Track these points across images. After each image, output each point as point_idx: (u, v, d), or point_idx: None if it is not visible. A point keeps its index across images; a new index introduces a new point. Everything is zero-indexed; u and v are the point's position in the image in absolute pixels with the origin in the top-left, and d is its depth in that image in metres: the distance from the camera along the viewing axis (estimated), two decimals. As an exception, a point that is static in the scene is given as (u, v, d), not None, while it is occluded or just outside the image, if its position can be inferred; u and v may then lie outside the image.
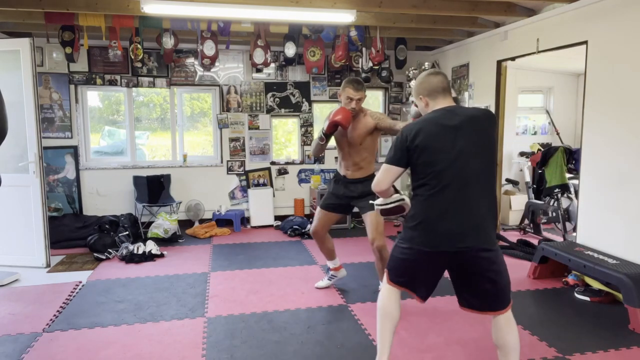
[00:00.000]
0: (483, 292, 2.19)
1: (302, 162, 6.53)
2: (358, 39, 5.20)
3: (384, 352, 2.36)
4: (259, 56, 5.27)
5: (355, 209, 3.61)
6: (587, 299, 3.62)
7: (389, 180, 2.26)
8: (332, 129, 3.29)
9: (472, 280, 2.19)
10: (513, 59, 4.94)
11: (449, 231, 2.12)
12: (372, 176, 3.36)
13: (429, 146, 2.13)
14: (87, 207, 5.87)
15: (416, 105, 2.47)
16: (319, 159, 6.51)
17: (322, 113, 6.63)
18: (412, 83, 6.16)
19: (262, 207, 6.24)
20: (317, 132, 6.18)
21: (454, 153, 2.11)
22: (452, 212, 2.11)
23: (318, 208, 3.65)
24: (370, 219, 3.36)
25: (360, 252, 4.96)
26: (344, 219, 6.18)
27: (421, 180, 2.18)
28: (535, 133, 6.90)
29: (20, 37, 4.57)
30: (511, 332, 2.21)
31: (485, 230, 2.14)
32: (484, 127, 2.19)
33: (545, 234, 5.51)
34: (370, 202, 2.64)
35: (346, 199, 3.53)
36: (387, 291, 2.38)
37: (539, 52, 4.47)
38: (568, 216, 5.16)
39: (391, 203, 2.41)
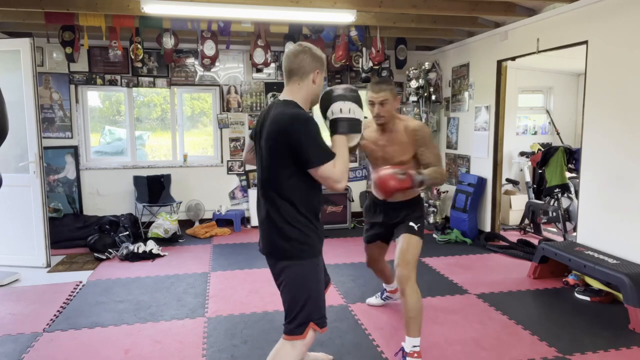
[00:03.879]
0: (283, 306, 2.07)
1: (302, 162, 6.52)
2: (358, 39, 5.20)
3: None
4: (259, 56, 5.27)
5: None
6: (587, 298, 3.62)
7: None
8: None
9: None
10: (513, 59, 4.94)
11: (260, 233, 2.14)
12: (417, 198, 2.85)
13: (256, 137, 2.13)
14: (87, 207, 5.87)
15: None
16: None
17: (322, 113, 6.62)
18: (413, 83, 6.16)
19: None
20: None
21: (260, 153, 2.06)
22: (258, 213, 2.11)
23: (365, 244, 3.17)
24: (400, 243, 2.74)
25: (361, 252, 4.93)
26: (344, 219, 6.18)
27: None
28: (535, 133, 6.90)
29: (20, 37, 4.57)
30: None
31: (270, 241, 2.06)
32: (274, 128, 1.92)
33: (545, 233, 5.51)
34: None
35: (388, 227, 2.93)
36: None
37: (539, 52, 4.47)
38: (568, 216, 5.16)
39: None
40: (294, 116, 1.87)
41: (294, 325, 1.98)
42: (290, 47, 1.99)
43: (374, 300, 3.55)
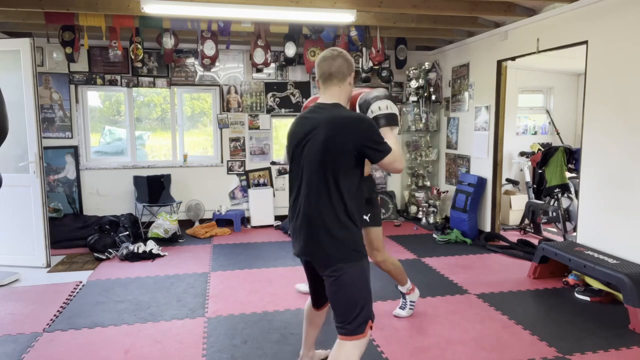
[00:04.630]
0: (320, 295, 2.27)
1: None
2: (358, 39, 5.20)
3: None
4: (259, 56, 5.27)
5: None
6: (587, 298, 3.62)
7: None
8: None
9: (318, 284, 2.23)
10: (513, 58, 4.94)
11: (298, 239, 2.12)
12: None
13: (293, 145, 2.11)
14: (87, 207, 5.87)
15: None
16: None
17: (322, 113, 6.62)
18: (412, 83, 6.16)
19: (262, 207, 6.23)
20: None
21: (305, 155, 2.06)
22: (296, 223, 2.12)
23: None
24: (368, 233, 3.08)
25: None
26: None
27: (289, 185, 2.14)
28: (535, 133, 6.90)
29: (20, 37, 4.57)
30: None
31: (323, 244, 2.04)
32: (327, 133, 1.99)
33: (545, 233, 5.51)
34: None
35: None
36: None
37: (539, 52, 4.47)
38: (568, 216, 5.16)
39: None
40: (359, 117, 2.01)
41: (355, 325, 1.99)
42: (324, 52, 2.08)
43: (402, 312, 3.38)
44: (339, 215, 1.95)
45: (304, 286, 3.62)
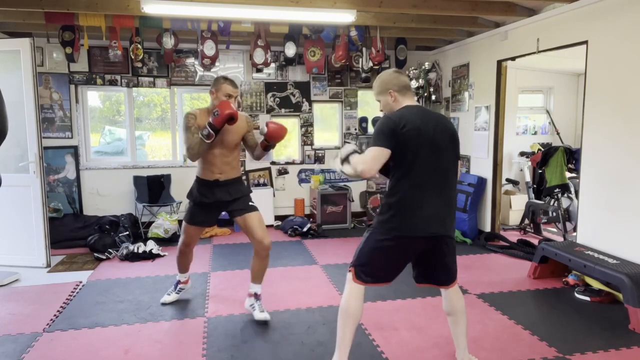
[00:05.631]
0: (445, 271, 2.45)
1: (302, 162, 6.53)
2: (358, 39, 5.20)
3: (346, 353, 2.44)
4: (259, 56, 5.27)
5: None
6: (587, 298, 3.62)
7: (379, 163, 2.26)
8: (224, 123, 2.98)
9: (438, 262, 2.43)
10: (513, 58, 4.94)
11: (430, 218, 2.31)
12: (241, 176, 3.38)
13: (415, 137, 2.27)
14: (87, 207, 5.87)
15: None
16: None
17: (322, 113, 6.63)
18: (413, 83, 6.16)
19: (262, 207, 6.09)
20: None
21: (434, 148, 2.31)
22: (434, 202, 2.31)
23: (184, 224, 3.36)
24: (254, 219, 3.22)
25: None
26: (344, 219, 6.19)
27: (402, 169, 2.30)
28: (535, 133, 6.90)
29: (20, 37, 4.57)
30: (461, 299, 2.53)
31: (452, 220, 2.42)
32: (451, 130, 2.44)
33: (545, 233, 5.51)
34: (340, 168, 2.47)
35: (218, 206, 3.28)
36: (354, 291, 2.42)
37: (539, 52, 4.47)
38: (568, 216, 5.16)
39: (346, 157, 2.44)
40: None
41: (456, 276, 2.51)
42: (388, 70, 2.54)
43: (169, 297, 3.62)
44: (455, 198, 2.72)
45: (169, 297, 3.63)
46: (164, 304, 3.56)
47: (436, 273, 2.46)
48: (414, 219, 2.29)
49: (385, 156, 2.25)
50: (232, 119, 3.00)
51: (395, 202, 2.31)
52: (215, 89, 3.16)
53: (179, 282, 3.67)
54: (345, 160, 2.41)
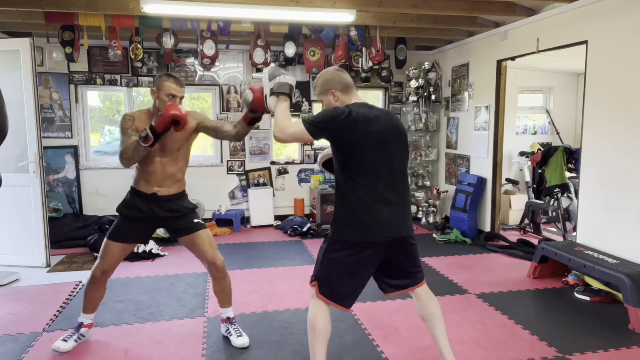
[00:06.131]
0: (412, 270, 2.33)
1: (302, 162, 6.53)
2: (358, 39, 5.20)
3: None
4: (259, 56, 5.27)
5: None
6: (587, 298, 3.62)
7: (295, 141, 2.22)
8: (167, 127, 2.55)
9: (402, 266, 2.30)
10: (513, 58, 4.94)
11: (387, 222, 2.15)
12: (184, 191, 2.88)
13: (369, 134, 2.13)
14: (87, 207, 5.87)
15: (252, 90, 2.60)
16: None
17: (322, 113, 6.62)
18: (413, 83, 6.15)
19: (262, 207, 6.24)
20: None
21: (385, 146, 2.17)
22: (389, 204, 2.16)
23: (108, 242, 2.76)
24: (203, 238, 2.83)
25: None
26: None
27: (354, 170, 2.14)
28: (535, 133, 6.90)
29: (20, 37, 4.57)
30: (434, 299, 2.39)
31: (410, 219, 2.30)
32: (400, 125, 2.31)
33: (545, 233, 5.51)
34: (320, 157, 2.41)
35: (155, 223, 2.84)
36: (320, 307, 2.24)
37: (539, 52, 4.47)
38: (568, 216, 5.16)
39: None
40: None
41: (423, 274, 2.40)
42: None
43: (66, 344, 2.84)
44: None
45: (65, 345, 2.84)
46: (55, 351, 2.82)
47: (403, 277, 2.32)
48: (368, 224, 2.11)
49: (306, 140, 2.20)
50: (177, 123, 2.55)
51: (351, 207, 2.14)
52: (156, 87, 2.70)
53: (81, 326, 2.92)
54: (274, 92, 2.37)
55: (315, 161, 6.54)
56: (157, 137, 2.56)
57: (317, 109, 6.54)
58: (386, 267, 2.28)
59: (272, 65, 2.35)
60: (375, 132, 2.14)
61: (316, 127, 2.13)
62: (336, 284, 2.21)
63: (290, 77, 2.42)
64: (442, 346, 2.37)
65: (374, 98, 6.85)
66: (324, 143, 6.78)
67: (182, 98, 2.73)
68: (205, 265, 2.91)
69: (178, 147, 2.78)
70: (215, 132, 2.87)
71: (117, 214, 2.81)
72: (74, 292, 3.85)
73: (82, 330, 2.91)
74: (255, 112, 2.73)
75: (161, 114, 2.55)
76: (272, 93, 2.38)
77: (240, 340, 2.91)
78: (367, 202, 2.12)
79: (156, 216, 2.75)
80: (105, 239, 2.77)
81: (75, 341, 2.87)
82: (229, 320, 3.01)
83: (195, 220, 2.86)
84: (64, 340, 2.86)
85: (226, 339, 3.00)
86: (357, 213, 2.12)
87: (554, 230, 5.59)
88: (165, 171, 2.75)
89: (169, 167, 2.76)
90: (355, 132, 2.11)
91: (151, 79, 5.92)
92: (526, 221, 5.65)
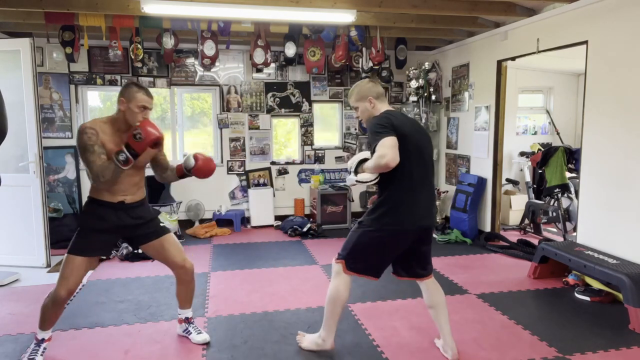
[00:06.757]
0: (426, 261, 2.70)
1: (302, 162, 6.53)
2: (358, 39, 5.20)
3: (333, 330, 2.75)
4: (259, 56, 5.27)
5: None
6: (587, 298, 3.62)
7: (397, 150, 2.36)
8: (147, 147, 2.51)
9: (421, 252, 2.66)
10: (513, 58, 4.94)
11: (421, 214, 2.51)
12: (146, 197, 2.85)
13: (407, 137, 2.44)
14: (87, 207, 5.86)
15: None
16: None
17: (322, 113, 6.64)
18: (413, 83, 6.15)
19: (262, 207, 6.23)
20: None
21: (419, 146, 2.51)
22: (423, 200, 2.53)
23: (71, 257, 2.58)
24: (171, 242, 2.82)
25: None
26: (344, 219, 6.19)
27: (396, 167, 2.37)
28: (535, 133, 6.90)
29: (20, 37, 4.57)
30: (440, 291, 2.75)
31: (434, 212, 2.68)
32: (426, 130, 2.71)
33: (545, 233, 5.51)
34: (355, 179, 2.60)
35: (121, 232, 2.74)
36: (345, 281, 2.64)
37: (539, 52, 4.47)
38: (568, 216, 5.16)
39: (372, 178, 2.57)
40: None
41: (432, 267, 2.78)
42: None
43: None
44: None
45: None
46: None
47: (417, 264, 2.66)
48: (408, 214, 2.48)
49: (396, 143, 2.36)
50: (157, 144, 2.56)
51: (390, 200, 2.48)
52: (125, 98, 2.57)
53: (42, 341, 2.73)
54: (356, 171, 2.58)
55: (316, 161, 6.54)
56: (137, 158, 2.52)
57: (317, 109, 6.55)
58: (409, 252, 2.61)
59: (349, 177, 2.64)
60: (411, 134, 2.48)
61: (387, 130, 2.39)
62: (369, 261, 2.58)
63: (357, 156, 2.67)
64: (445, 331, 2.72)
65: (374, 98, 6.85)
66: (324, 143, 6.79)
67: (151, 109, 2.66)
68: (172, 269, 2.87)
69: (147, 160, 2.77)
70: (156, 162, 2.87)
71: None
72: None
73: (45, 345, 2.74)
74: (189, 176, 2.85)
75: (139, 132, 2.45)
76: (357, 173, 2.62)
77: (200, 336, 2.96)
78: (405, 195, 2.47)
79: (124, 224, 2.68)
80: (67, 255, 2.59)
81: (42, 355, 2.71)
82: (187, 320, 3.04)
83: (161, 224, 2.86)
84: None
85: (226, 339, 3.00)
86: (395, 204, 2.47)
87: (554, 230, 5.59)
88: (130, 181, 2.68)
89: (133, 176, 2.69)
90: (399, 134, 2.41)
91: (151, 79, 5.92)
92: (526, 221, 5.65)
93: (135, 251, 4.79)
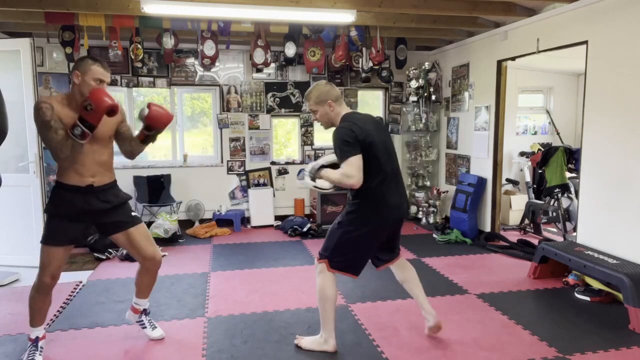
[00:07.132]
0: (396, 244, 2.90)
1: (302, 162, 6.53)
2: (358, 39, 5.20)
3: (332, 325, 2.79)
4: (259, 56, 5.27)
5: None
6: (587, 298, 3.62)
7: (361, 170, 2.50)
8: (101, 117, 2.35)
9: (394, 239, 2.85)
10: (513, 59, 4.94)
11: (396, 206, 2.67)
12: (116, 180, 2.72)
13: (373, 143, 2.56)
14: (87, 207, 5.86)
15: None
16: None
17: (322, 113, 6.62)
18: (413, 83, 6.15)
19: (262, 207, 6.23)
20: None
21: (384, 145, 2.65)
22: (396, 193, 2.67)
23: (46, 248, 2.51)
24: (142, 233, 2.72)
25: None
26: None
27: (369, 169, 2.53)
28: (535, 133, 6.90)
29: (20, 37, 4.57)
30: (408, 264, 2.97)
31: (406, 201, 2.87)
32: (385, 127, 2.80)
33: (545, 233, 5.51)
34: (313, 184, 2.76)
35: (91, 218, 2.60)
36: (329, 278, 2.71)
37: (539, 52, 4.47)
38: (568, 216, 5.16)
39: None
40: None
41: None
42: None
43: None
44: None
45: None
46: None
47: (390, 251, 2.87)
48: (384, 209, 2.63)
49: (361, 162, 2.50)
50: (112, 111, 2.37)
51: (366, 199, 2.63)
52: (80, 71, 2.44)
53: (37, 340, 2.68)
54: (316, 176, 2.70)
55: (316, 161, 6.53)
56: (93, 130, 2.37)
57: (317, 109, 6.53)
58: (385, 242, 2.78)
59: (301, 173, 2.72)
60: (376, 135, 2.59)
61: (353, 148, 2.49)
62: (352, 258, 2.69)
63: (319, 160, 2.78)
64: (421, 300, 2.93)
65: (374, 98, 6.86)
66: (324, 143, 6.79)
67: (108, 83, 2.52)
68: (141, 260, 2.77)
69: (109, 133, 2.62)
70: (120, 135, 2.71)
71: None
72: (74, 292, 3.85)
73: (41, 343, 2.70)
74: (149, 129, 2.59)
75: (88, 103, 2.30)
76: (315, 179, 2.76)
77: (157, 332, 3.01)
78: (380, 193, 2.61)
79: (93, 209, 2.55)
80: (41, 245, 2.52)
81: (41, 354, 2.68)
82: (144, 312, 3.02)
83: (133, 214, 2.75)
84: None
85: (226, 339, 3.00)
86: (372, 202, 2.61)
87: (554, 230, 5.59)
88: (97, 159, 2.55)
89: (99, 154, 2.56)
90: (365, 140, 2.53)
91: (151, 79, 5.92)
92: (526, 221, 5.65)
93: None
